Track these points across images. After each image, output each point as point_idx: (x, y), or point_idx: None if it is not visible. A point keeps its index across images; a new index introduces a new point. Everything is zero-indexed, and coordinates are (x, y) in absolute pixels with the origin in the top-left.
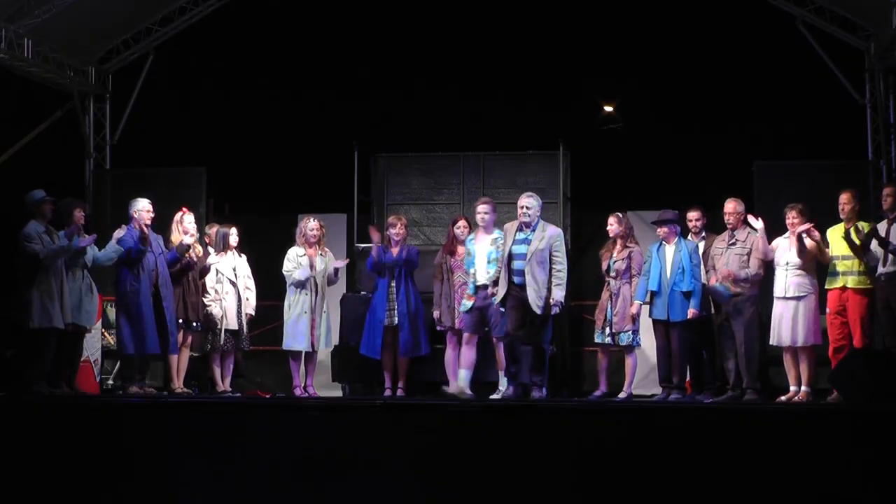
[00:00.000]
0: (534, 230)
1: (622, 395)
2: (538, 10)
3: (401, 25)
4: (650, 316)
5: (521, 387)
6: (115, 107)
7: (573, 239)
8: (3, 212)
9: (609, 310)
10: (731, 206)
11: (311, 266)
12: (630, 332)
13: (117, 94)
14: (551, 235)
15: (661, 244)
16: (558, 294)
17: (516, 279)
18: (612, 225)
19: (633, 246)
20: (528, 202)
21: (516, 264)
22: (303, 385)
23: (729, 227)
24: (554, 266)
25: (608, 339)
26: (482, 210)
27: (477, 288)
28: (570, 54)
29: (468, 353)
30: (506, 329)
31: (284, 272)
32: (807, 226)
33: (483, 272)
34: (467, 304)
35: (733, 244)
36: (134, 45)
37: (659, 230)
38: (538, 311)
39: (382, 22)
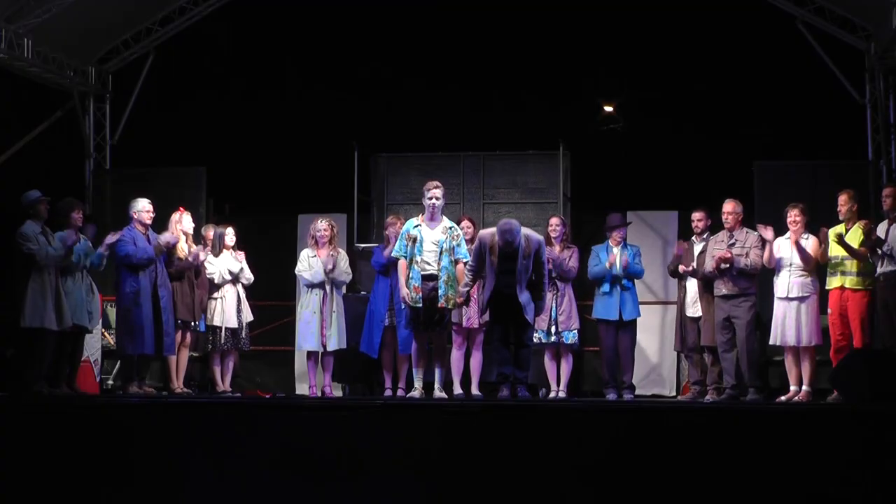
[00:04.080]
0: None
1: (561, 394)
2: (538, 10)
3: (401, 25)
4: (596, 316)
5: (512, 387)
6: (115, 107)
7: (573, 239)
8: (4, 212)
9: (554, 309)
10: (729, 207)
11: (325, 268)
12: (575, 332)
13: (117, 94)
14: (534, 248)
15: (607, 246)
16: (541, 304)
17: (505, 288)
18: (557, 226)
19: (573, 247)
20: (511, 237)
21: (503, 278)
22: (319, 386)
23: (727, 227)
24: (535, 277)
25: (553, 339)
26: (436, 194)
27: (424, 278)
28: (570, 54)
29: (419, 351)
30: (494, 338)
31: (297, 272)
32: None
33: (433, 262)
34: (415, 296)
35: (732, 244)
36: (134, 45)
37: (616, 234)
38: (531, 321)
39: (382, 22)
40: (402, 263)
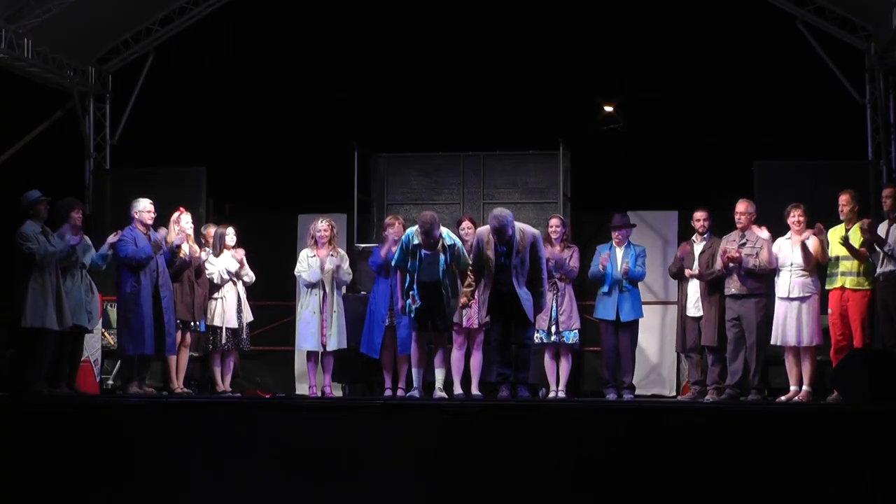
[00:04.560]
0: (510, 241)
1: (560, 394)
2: (538, 10)
3: (401, 26)
4: (597, 316)
5: (511, 386)
6: (115, 107)
7: (573, 239)
8: (4, 212)
9: (555, 309)
10: (742, 207)
11: (322, 267)
12: (575, 332)
13: (117, 94)
14: (529, 243)
15: (611, 246)
16: (541, 302)
17: (503, 287)
18: (557, 227)
19: (573, 247)
20: (495, 225)
21: (501, 276)
22: (319, 386)
23: (739, 226)
24: (533, 273)
25: (553, 338)
26: (436, 234)
27: (424, 285)
28: (570, 54)
29: (419, 352)
30: (495, 338)
31: (296, 273)
32: (807, 233)
33: (433, 276)
34: (413, 306)
35: (743, 244)
36: (134, 45)
37: (617, 234)
38: (532, 319)
39: (382, 22)
40: (400, 275)
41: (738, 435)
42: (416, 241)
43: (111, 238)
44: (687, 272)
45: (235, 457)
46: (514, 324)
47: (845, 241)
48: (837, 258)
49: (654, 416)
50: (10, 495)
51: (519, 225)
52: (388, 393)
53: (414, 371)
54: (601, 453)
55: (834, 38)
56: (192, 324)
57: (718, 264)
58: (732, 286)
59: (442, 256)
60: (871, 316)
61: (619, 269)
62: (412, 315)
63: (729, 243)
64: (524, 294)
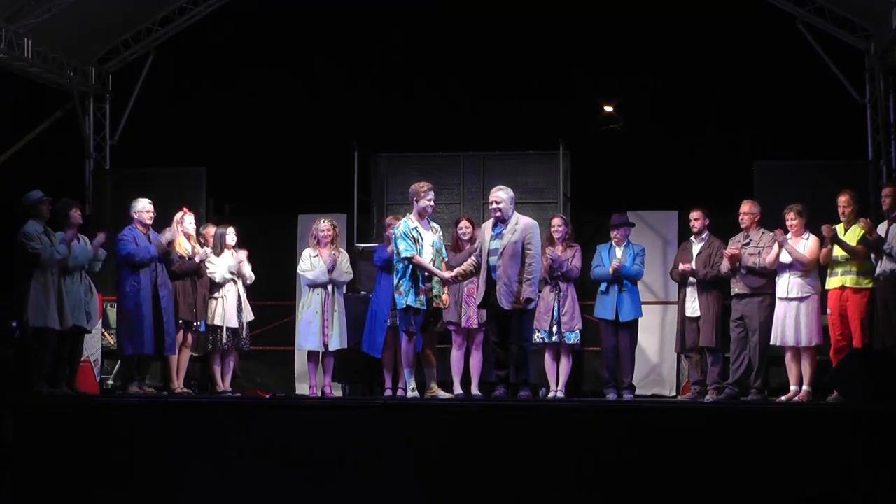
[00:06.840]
0: (507, 224)
1: (559, 394)
2: (539, 10)
3: (401, 26)
4: (597, 315)
5: (511, 387)
6: (115, 107)
7: (573, 239)
8: (4, 212)
9: (556, 309)
10: (745, 207)
11: (329, 269)
12: (577, 332)
13: (117, 94)
14: (524, 227)
15: (611, 245)
16: (527, 291)
17: (493, 276)
18: (560, 226)
19: (576, 246)
20: (498, 195)
21: (492, 261)
22: (319, 386)
23: (743, 227)
24: (525, 260)
25: (555, 339)
26: (433, 197)
27: (425, 279)
28: (570, 54)
29: (412, 352)
30: (491, 338)
31: (299, 272)
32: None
33: (429, 262)
34: (422, 298)
35: (747, 244)
36: (134, 45)
37: (615, 233)
38: (506, 307)
39: (382, 22)
40: (417, 258)
41: (738, 435)
42: (412, 225)
43: (97, 241)
44: (681, 266)
45: (235, 457)
46: (513, 322)
47: (836, 239)
48: (837, 258)
49: (654, 416)
50: (10, 495)
51: (518, 214)
52: (388, 393)
53: (406, 372)
54: (601, 453)
55: (834, 38)
56: (195, 324)
57: (725, 266)
58: (737, 286)
59: (435, 238)
60: (870, 316)
61: (612, 266)
62: (407, 317)
63: (734, 244)
64: (503, 286)
